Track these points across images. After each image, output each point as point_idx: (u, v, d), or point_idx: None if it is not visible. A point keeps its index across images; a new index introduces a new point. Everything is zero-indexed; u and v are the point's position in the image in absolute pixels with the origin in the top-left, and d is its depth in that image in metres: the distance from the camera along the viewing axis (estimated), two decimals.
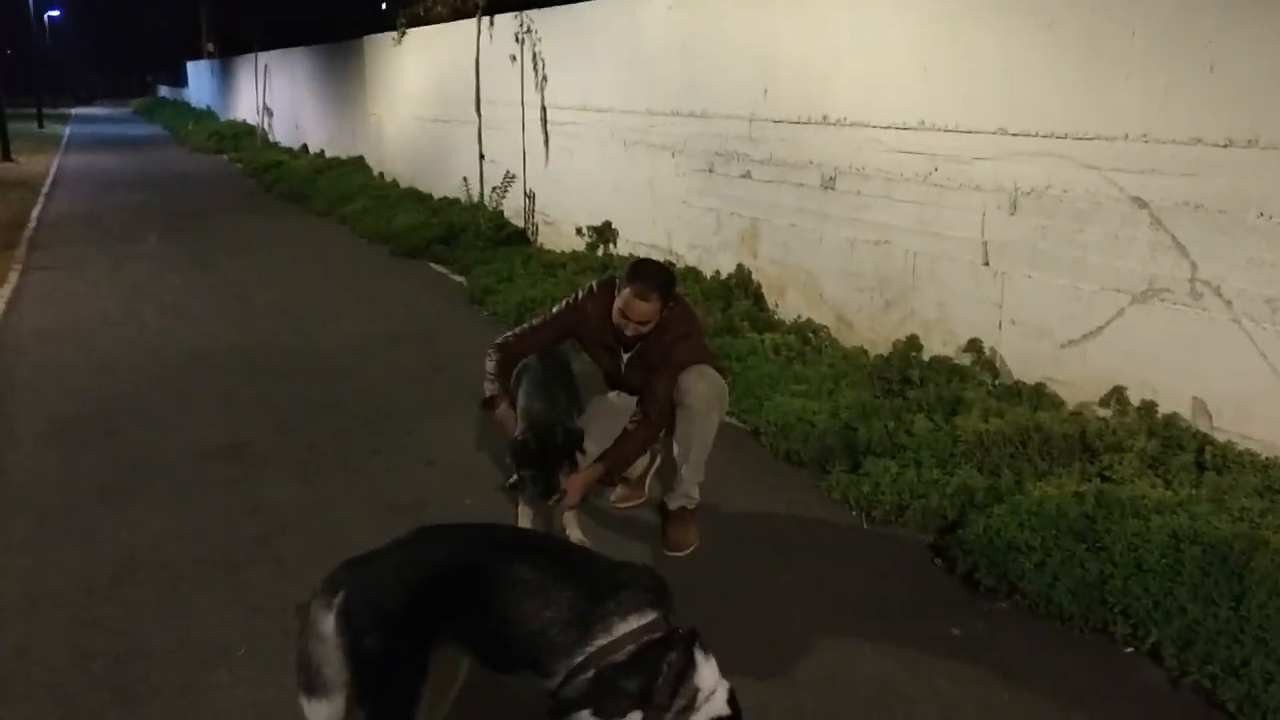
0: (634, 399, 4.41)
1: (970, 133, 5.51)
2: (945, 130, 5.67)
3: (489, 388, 4.27)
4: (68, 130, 37.67)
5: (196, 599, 3.93)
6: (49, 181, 19.65)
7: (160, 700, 3.29)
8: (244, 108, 29.52)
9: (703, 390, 4.21)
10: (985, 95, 5.43)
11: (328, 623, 2.52)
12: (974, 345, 5.58)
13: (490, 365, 4.32)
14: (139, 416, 6.05)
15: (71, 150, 28.21)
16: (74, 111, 55.36)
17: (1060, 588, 3.67)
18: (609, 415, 4.43)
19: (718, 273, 7.75)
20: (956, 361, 5.62)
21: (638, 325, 4.17)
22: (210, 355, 7.39)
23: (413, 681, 2.49)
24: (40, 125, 38.68)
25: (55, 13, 70.34)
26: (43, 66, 52.29)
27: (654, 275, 4.19)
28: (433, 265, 10.87)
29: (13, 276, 10.28)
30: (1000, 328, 5.48)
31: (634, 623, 2.45)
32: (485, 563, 2.58)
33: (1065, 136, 4.98)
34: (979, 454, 4.61)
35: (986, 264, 5.51)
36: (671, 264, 8.15)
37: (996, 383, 5.43)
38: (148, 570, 4.16)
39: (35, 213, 15.11)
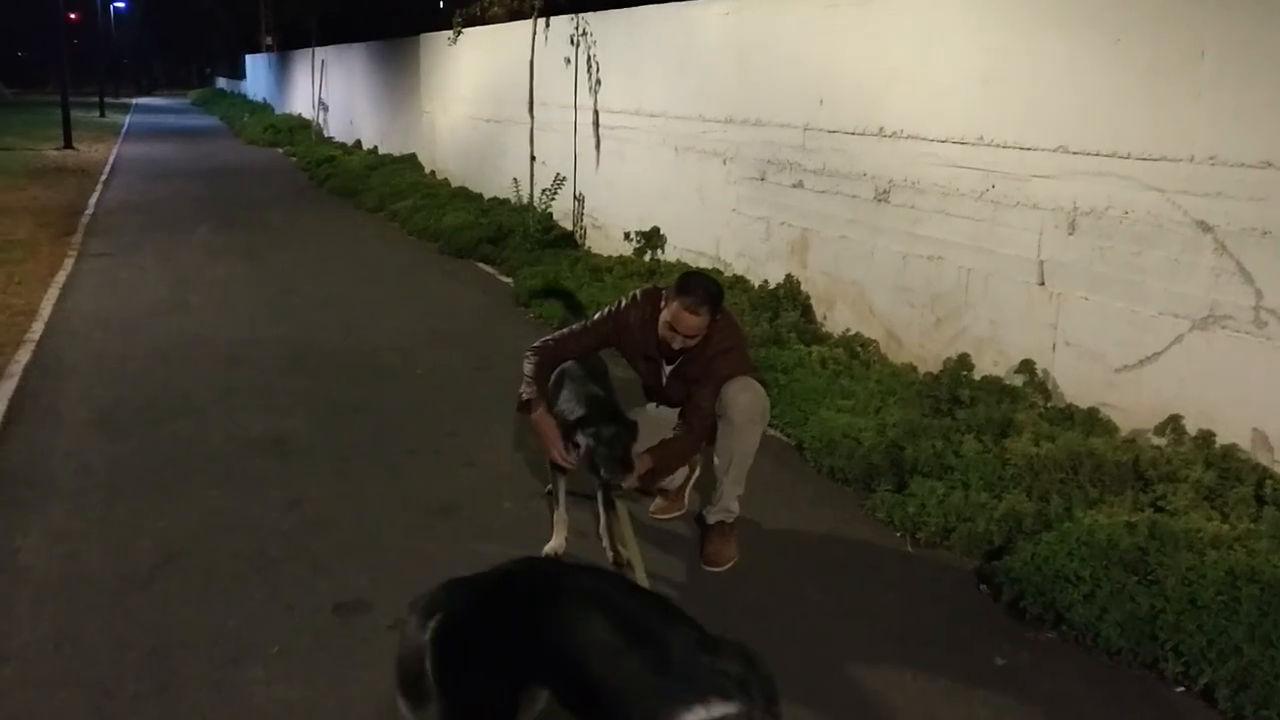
0: (673, 411, 4.35)
1: (1030, 149, 5.41)
2: (1004, 146, 5.57)
3: (526, 391, 4.20)
4: (127, 119, 38.26)
5: (232, 593, 3.92)
6: (107, 169, 19.94)
7: (193, 693, 3.28)
8: (300, 102, 29.80)
9: (745, 403, 4.15)
10: (1046, 111, 5.32)
11: (421, 644, 2.49)
12: (1026, 366, 5.47)
13: (528, 368, 4.26)
14: (183, 406, 6.08)
15: (130, 139, 28.63)
16: (134, 101, 56.22)
17: (1109, 620, 3.57)
18: (649, 425, 4.37)
19: (766, 283, 7.67)
20: (1008, 382, 5.51)
21: (685, 339, 4.10)
22: (255, 347, 7.42)
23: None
24: (102, 114, 39.31)
25: (121, 4, 71.58)
26: (106, 56, 53.19)
27: (704, 289, 4.12)
28: (480, 265, 10.88)
29: (68, 263, 10.41)
30: (1054, 349, 5.37)
31: (714, 709, 2.21)
32: (583, 614, 2.41)
33: (1128, 156, 4.87)
34: (1028, 478, 4.51)
35: (1042, 284, 5.40)
36: (719, 272, 8.10)
37: (1048, 406, 5.31)
38: (185, 562, 4.17)
39: (93, 200, 15.32)
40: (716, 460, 4.27)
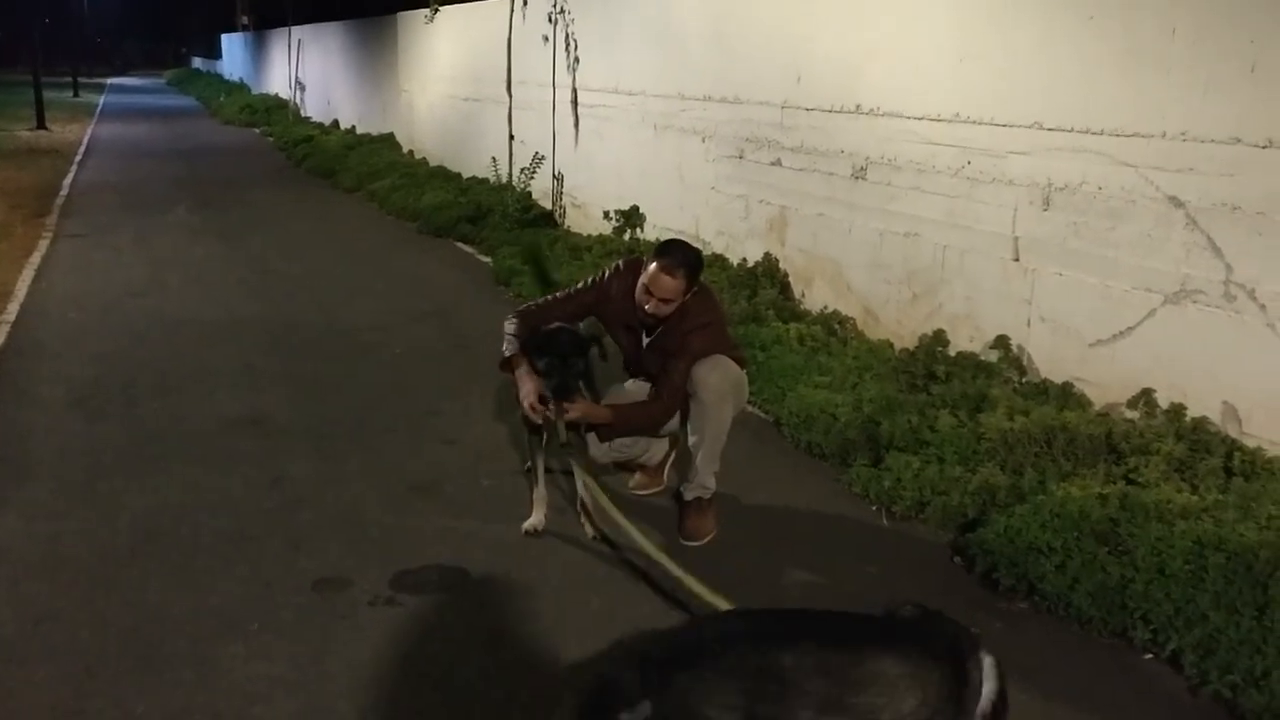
0: (648, 386, 4.38)
1: (1005, 126, 5.44)
2: (979, 123, 5.60)
3: (509, 348, 4.23)
4: (102, 99, 37.87)
5: (212, 570, 3.94)
6: (82, 150, 19.76)
7: (174, 669, 3.30)
8: (277, 81, 29.58)
9: (715, 382, 4.17)
10: (1021, 89, 5.35)
11: None
12: (1001, 342, 5.52)
13: (509, 328, 4.30)
14: (161, 386, 6.07)
15: (105, 119, 28.36)
16: (109, 81, 55.62)
17: (1080, 591, 3.62)
18: (625, 400, 4.40)
19: (744, 260, 7.69)
20: (983, 358, 5.56)
21: (659, 302, 4.12)
22: (233, 327, 7.40)
23: None
24: (75, 94, 38.89)
25: None
26: (80, 35, 52.59)
27: (682, 253, 4.17)
28: (459, 244, 10.87)
29: (42, 244, 10.34)
30: (1029, 325, 5.42)
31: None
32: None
33: (1101, 133, 4.91)
34: (1002, 452, 4.56)
35: (1017, 260, 5.44)
36: (699, 246, 8.11)
37: (1023, 380, 5.37)
38: (165, 540, 4.17)
39: (67, 181, 15.19)
40: (690, 438, 4.30)
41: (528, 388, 4.11)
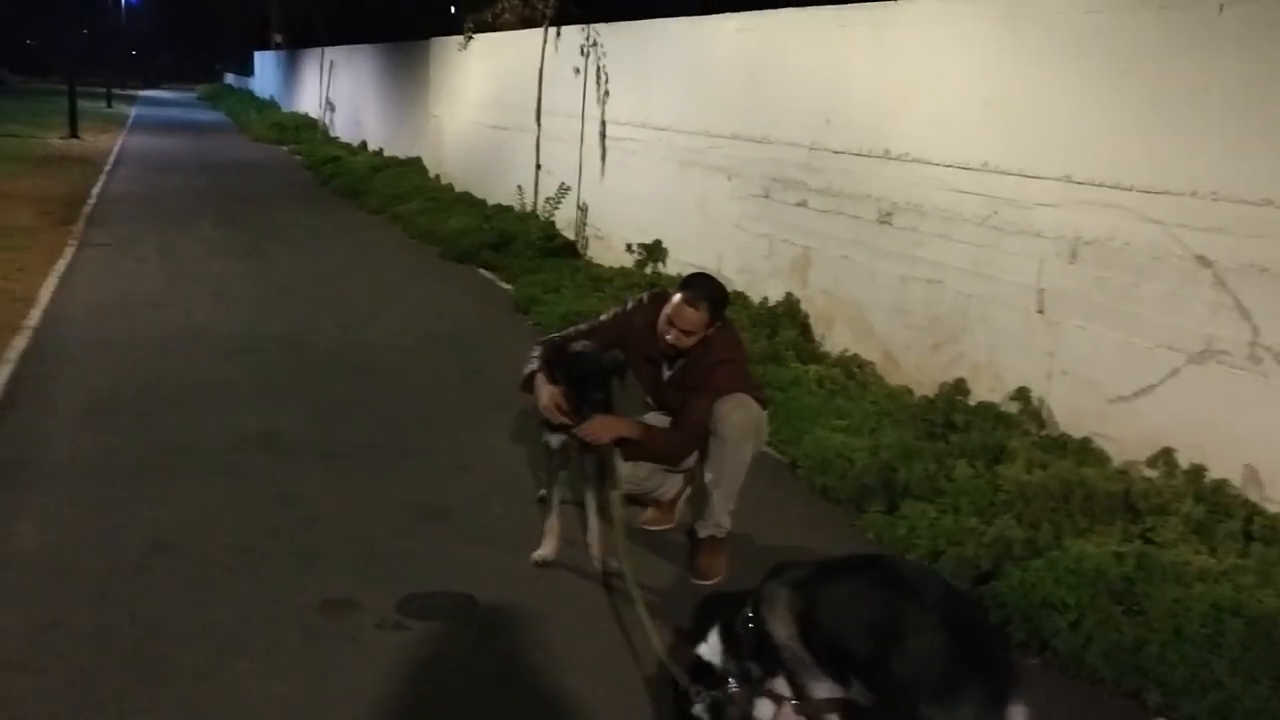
0: (669, 420, 4.37)
1: (1034, 177, 5.43)
2: (1008, 173, 5.60)
3: (530, 367, 4.26)
4: (134, 111, 38.27)
5: (220, 586, 3.92)
6: (111, 160, 19.94)
7: (178, 684, 3.28)
8: (307, 100, 29.84)
9: (738, 420, 4.15)
10: (1051, 141, 5.35)
11: None
12: (1022, 393, 5.49)
13: (535, 351, 4.35)
14: (177, 398, 6.08)
15: (136, 131, 28.65)
16: (141, 93, 56.24)
17: (1094, 649, 3.57)
18: None
19: (766, 300, 7.69)
20: (1003, 408, 5.52)
21: (681, 333, 4.13)
22: (251, 343, 7.42)
23: None
24: (109, 105, 39.35)
25: None
26: (115, 47, 53.24)
27: (706, 286, 4.18)
28: (481, 271, 10.90)
29: (68, 252, 10.41)
30: (1050, 378, 5.39)
31: None
32: None
33: (1131, 188, 4.90)
34: (1019, 505, 4.52)
35: (1040, 311, 5.42)
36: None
37: (1042, 433, 5.33)
38: (174, 553, 4.16)
39: (95, 190, 15.32)
40: (708, 475, 4.27)
41: (547, 392, 4.13)
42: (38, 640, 3.48)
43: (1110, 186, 5.00)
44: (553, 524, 4.30)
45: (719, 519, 4.27)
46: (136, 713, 3.13)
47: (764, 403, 4.42)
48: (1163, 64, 4.79)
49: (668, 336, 4.16)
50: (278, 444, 5.45)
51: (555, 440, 4.21)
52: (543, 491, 4.48)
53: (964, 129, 5.91)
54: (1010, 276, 5.60)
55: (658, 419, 4.47)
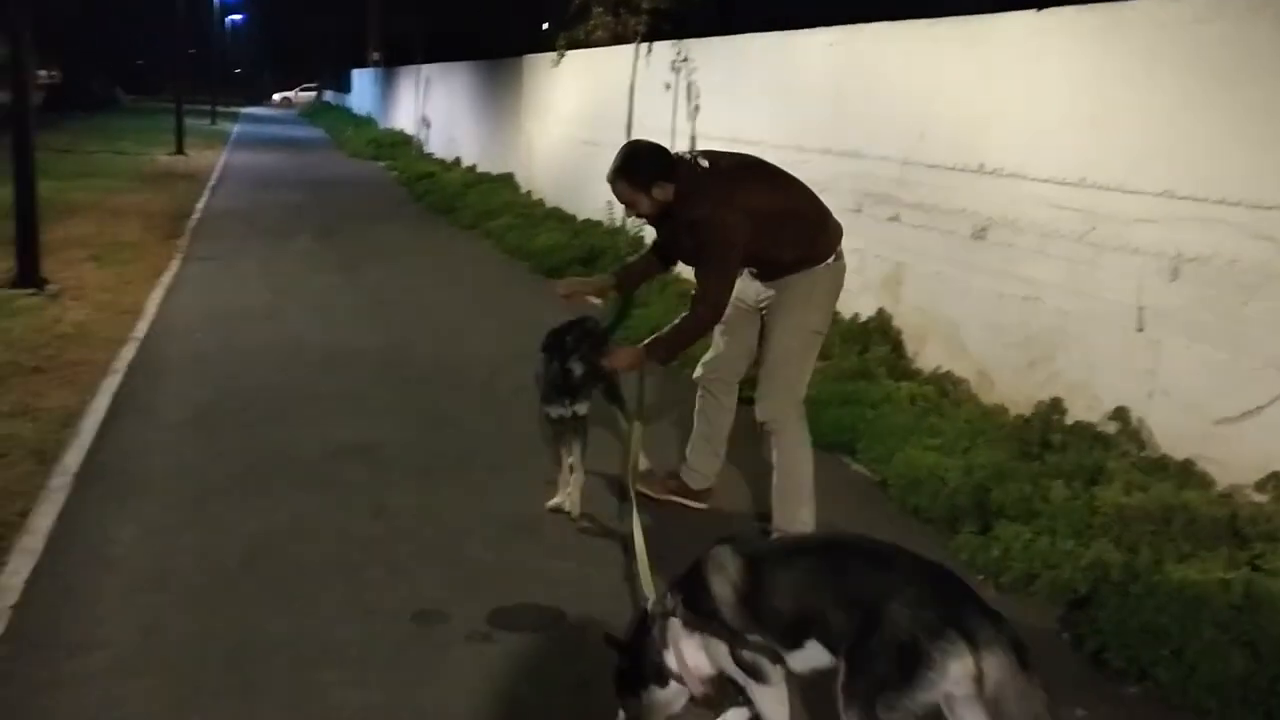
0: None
1: (1134, 193, 5.30)
2: (1106, 189, 5.47)
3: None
4: (236, 128, 39.37)
5: (314, 595, 4.00)
6: (215, 176, 20.53)
7: (272, 693, 3.35)
8: (403, 117, 30.38)
9: (768, 411, 4.47)
10: (1153, 155, 5.21)
11: None
12: (1120, 414, 5.34)
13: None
14: (275, 410, 6.22)
15: (238, 147, 29.45)
16: (243, 110, 57.80)
17: (1198, 680, 3.46)
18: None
19: (857, 315, 7.61)
20: (1100, 429, 5.38)
21: (628, 207, 4.42)
22: (347, 356, 7.57)
23: None
24: (213, 121, 40.53)
25: (238, 17, 73.88)
26: (219, 65, 54.85)
27: (616, 160, 4.35)
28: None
29: (173, 265, 10.74)
30: (1150, 397, 5.24)
31: None
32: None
33: (1238, 204, 4.74)
34: (1117, 528, 4.39)
35: (1140, 330, 5.28)
36: None
37: (1141, 455, 5.18)
38: (271, 561, 4.26)
39: (200, 205, 15.79)
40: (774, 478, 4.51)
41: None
42: (142, 643, 3.59)
43: (1215, 202, 4.86)
44: (565, 478, 4.81)
45: (782, 523, 4.43)
46: (233, 717, 3.20)
47: (806, 262, 4.42)
48: (1272, 74, 4.63)
49: (628, 217, 4.35)
50: (372, 456, 5.54)
51: (554, 412, 4.70)
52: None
53: (1061, 143, 5.80)
54: (1108, 294, 5.47)
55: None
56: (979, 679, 2.45)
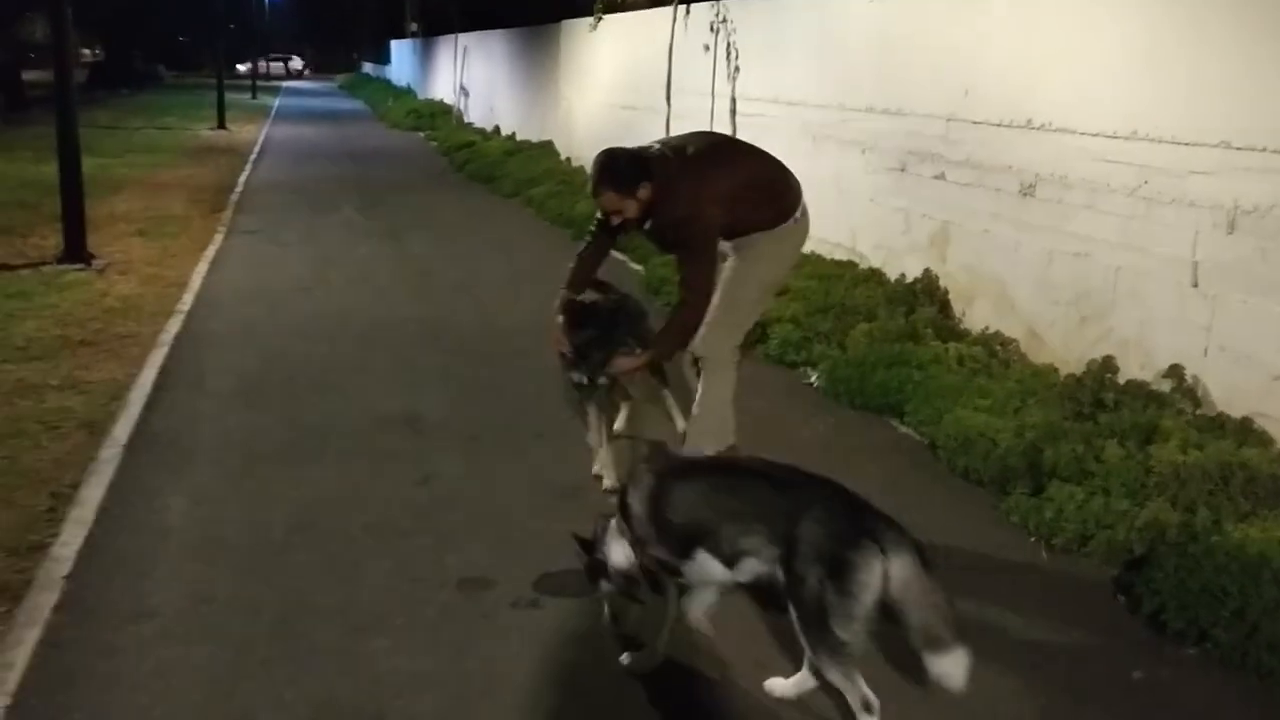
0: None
1: (1188, 145, 5.16)
2: (1159, 141, 5.33)
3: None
4: (276, 102, 39.48)
5: (361, 563, 4.01)
6: (257, 150, 20.62)
7: (320, 659, 3.36)
8: (442, 87, 30.36)
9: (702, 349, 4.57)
10: (1208, 106, 5.07)
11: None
12: (1175, 371, 5.23)
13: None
14: (321, 380, 6.25)
15: (278, 121, 29.55)
16: (283, 84, 58.03)
17: (1259, 640, 3.39)
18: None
19: (903, 276, 7.51)
20: (1154, 387, 5.27)
21: (613, 214, 4.46)
22: (391, 326, 7.58)
23: None
24: (254, 96, 40.66)
25: None
26: (259, 40, 55.06)
27: (595, 172, 4.43)
28: (613, 253, 10.89)
29: (217, 238, 10.80)
30: (1206, 354, 5.12)
31: None
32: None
33: None
34: (1174, 487, 4.31)
35: (1196, 285, 5.15)
36: (854, 264, 7.99)
37: (1197, 413, 5.07)
38: (318, 531, 4.27)
39: (242, 179, 15.86)
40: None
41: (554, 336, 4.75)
42: (193, 612, 3.62)
43: (1273, 151, 4.71)
44: (596, 439, 4.84)
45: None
46: (282, 685, 3.21)
47: (767, 222, 4.55)
48: None
49: (614, 221, 4.48)
50: (417, 425, 5.55)
51: (576, 376, 4.75)
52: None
53: (1111, 96, 5.65)
54: (1162, 249, 5.34)
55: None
56: (887, 579, 2.75)
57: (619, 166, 4.41)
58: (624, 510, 3.29)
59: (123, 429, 5.30)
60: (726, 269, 4.61)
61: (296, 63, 75.46)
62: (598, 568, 3.37)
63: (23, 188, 13.08)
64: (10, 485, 4.58)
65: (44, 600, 3.65)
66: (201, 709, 3.10)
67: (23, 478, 4.67)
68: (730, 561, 3.04)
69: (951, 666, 2.73)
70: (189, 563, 3.97)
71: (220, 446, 5.17)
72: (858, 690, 2.87)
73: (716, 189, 4.42)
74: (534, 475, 4.92)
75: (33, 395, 5.73)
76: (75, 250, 9.14)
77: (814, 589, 2.82)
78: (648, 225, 4.52)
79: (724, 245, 4.58)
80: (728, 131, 10.42)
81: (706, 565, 3.09)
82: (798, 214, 4.64)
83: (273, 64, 70.66)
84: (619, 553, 3.30)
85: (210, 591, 3.75)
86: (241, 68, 63.42)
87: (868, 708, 2.86)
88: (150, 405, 5.67)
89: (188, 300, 8.07)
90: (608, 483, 4.69)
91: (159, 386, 5.99)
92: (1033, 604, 3.91)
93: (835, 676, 2.89)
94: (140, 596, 3.70)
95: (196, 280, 8.77)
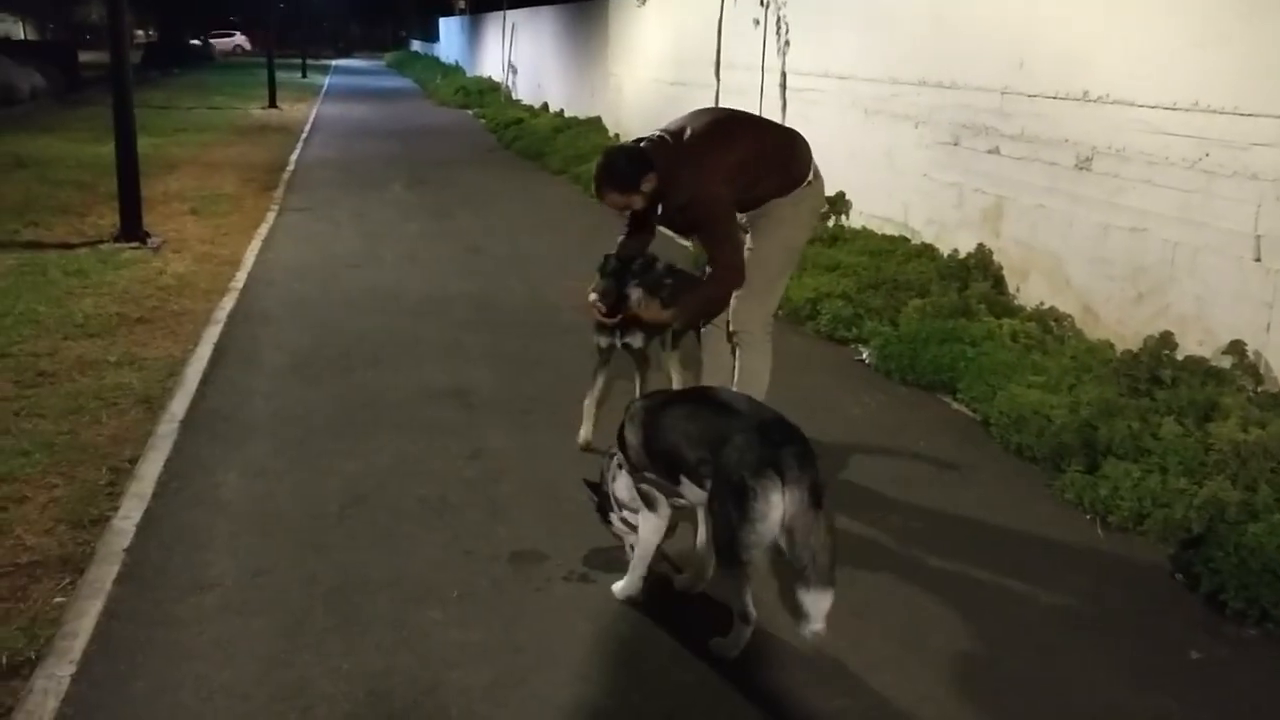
0: None
1: (1250, 116, 5.05)
2: (1220, 112, 5.22)
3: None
4: (326, 80, 39.75)
5: (415, 536, 4.05)
6: (307, 128, 20.78)
7: (375, 631, 3.40)
8: (490, 64, 30.39)
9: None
10: (1269, 76, 4.95)
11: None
12: (1236, 347, 5.13)
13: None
14: (372, 355, 6.30)
15: (328, 99, 29.76)
16: (333, 63, 58.36)
17: None
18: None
19: (956, 251, 7.43)
20: (1214, 364, 5.18)
21: (622, 210, 4.57)
22: (441, 301, 7.62)
23: None
24: (303, 75, 40.97)
25: None
26: (309, 19, 55.31)
27: (598, 177, 4.44)
28: (661, 229, 10.86)
29: (269, 216, 10.91)
30: (1268, 330, 5.02)
31: None
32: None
33: None
34: (1234, 465, 4.24)
35: (1258, 259, 5.05)
36: (906, 240, 7.92)
37: (1259, 390, 4.98)
38: (371, 504, 4.32)
39: (293, 157, 16.00)
40: None
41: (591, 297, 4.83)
42: (249, 584, 3.67)
43: None
44: (589, 408, 4.95)
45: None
46: (338, 656, 3.25)
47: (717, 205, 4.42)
48: None
49: (624, 215, 4.60)
50: (467, 399, 5.58)
51: (604, 340, 4.95)
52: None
53: (1171, 67, 5.54)
54: (1223, 223, 5.23)
55: None
56: (782, 510, 2.96)
57: (618, 166, 4.41)
58: (621, 443, 3.55)
59: (179, 404, 5.38)
60: (748, 240, 4.59)
61: (241, 39, 73.51)
62: (605, 502, 3.66)
63: (80, 168, 13.30)
64: (71, 460, 4.67)
65: (105, 572, 3.72)
66: (260, 679, 3.14)
67: (83, 452, 4.76)
68: (702, 483, 3.23)
69: (811, 605, 2.96)
70: (246, 536, 4.03)
71: (274, 421, 5.23)
72: (741, 603, 3.18)
73: (720, 166, 4.38)
74: (584, 450, 4.93)
75: (91, 372, 5.83)
76: (131, 229, 9.28)
77: (722, 510, 3.08)
78: (659, 212, 4.53)
79: (741, 218, 4.56)
80: (779, 107, 10.35)
81: (688, 487, 3.31)
82: (810, 176, 4.64)
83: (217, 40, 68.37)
84: (622, 484, 3.57)
85: (267, 564, 3.80)
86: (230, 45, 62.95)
87: (745, 619, 3.18)
88: (206, 381, 5.75)
89: (241, 278, 8.16)
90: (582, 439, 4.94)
91: (214, 363, 6.07)
92: (1087, 582, 3.86)
93: (728, 586, 3.23)
94: (199, 568, 3.77)
95: (249, 258, 8.87)
